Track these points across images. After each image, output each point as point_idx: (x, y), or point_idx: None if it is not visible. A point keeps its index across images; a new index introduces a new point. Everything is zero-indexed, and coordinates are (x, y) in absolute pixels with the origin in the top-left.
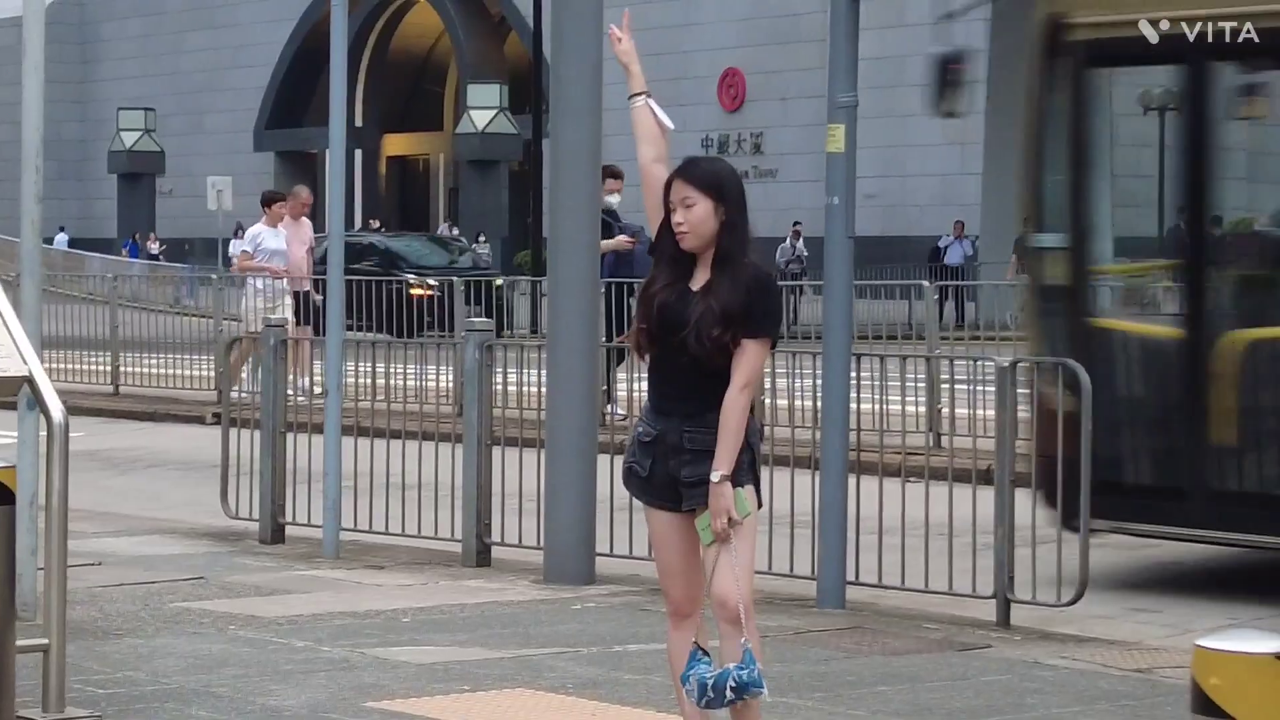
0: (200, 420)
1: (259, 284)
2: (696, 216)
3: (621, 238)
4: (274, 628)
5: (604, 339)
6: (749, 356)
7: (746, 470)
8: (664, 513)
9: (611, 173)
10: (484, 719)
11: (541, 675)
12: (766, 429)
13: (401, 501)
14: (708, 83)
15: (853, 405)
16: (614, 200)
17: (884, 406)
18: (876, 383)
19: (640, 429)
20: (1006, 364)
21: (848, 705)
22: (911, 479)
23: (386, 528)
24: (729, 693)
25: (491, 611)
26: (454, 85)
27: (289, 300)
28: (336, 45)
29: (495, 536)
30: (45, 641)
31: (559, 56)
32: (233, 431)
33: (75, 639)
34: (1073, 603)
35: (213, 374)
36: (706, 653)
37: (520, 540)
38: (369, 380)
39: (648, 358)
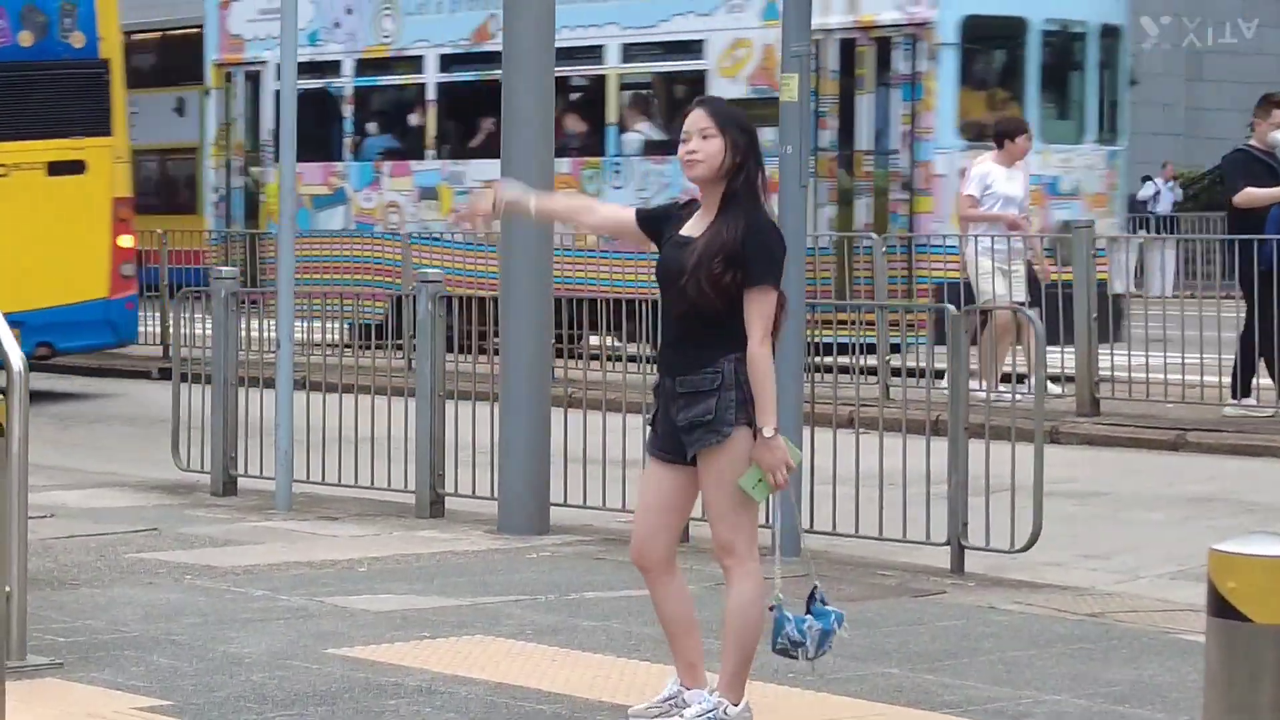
0: (146, 375)
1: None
2: (713, 147)
3: None
4: (230, 577)
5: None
6: (755, 307)
7: (741, 415)
8: (660, 463)
9: (1276, 102)
10: (444, 665)
11: (500, 623)
12: None
13: (355, 454)
14: None
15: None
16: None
17: (834, 359)
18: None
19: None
20: (959, 313)
21: None
22: (864, 430)
23: (339, 479)
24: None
25: (447, 561)
26: None
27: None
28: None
29: (448, 488)
30: (7, 589)
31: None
32: (183, 385)
33: (32, 589)
34: (1025, 549)
35: (158, 329)
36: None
37: (474, 491)
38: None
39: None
